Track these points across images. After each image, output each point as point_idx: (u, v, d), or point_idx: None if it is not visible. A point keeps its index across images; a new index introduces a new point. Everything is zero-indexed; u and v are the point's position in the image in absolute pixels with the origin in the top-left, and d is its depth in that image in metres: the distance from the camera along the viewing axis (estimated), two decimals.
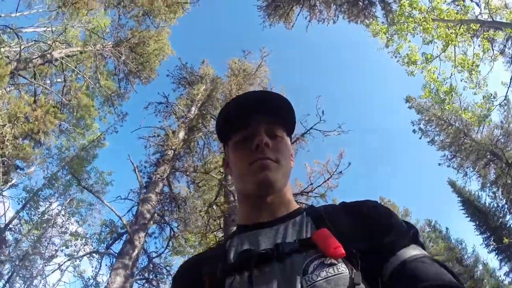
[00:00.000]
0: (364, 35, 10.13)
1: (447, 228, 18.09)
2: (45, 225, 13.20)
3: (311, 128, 7.58)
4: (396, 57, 9.34)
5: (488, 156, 14.23)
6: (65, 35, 12.34)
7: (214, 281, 0.62)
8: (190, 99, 8.19)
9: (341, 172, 7.22)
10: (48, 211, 13.64)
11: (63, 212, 13.69)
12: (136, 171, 7.31)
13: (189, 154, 7.70)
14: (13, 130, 10.12)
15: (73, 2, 10.04)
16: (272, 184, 0.69)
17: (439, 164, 15.47)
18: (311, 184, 7.22)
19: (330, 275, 0.55)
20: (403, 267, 0.56)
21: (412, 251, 0.58)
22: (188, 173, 7.27)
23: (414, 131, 15.61)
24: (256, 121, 0.73)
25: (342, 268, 0.56)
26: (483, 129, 13.54)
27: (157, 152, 7.45)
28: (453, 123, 14.72)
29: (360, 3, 9.69)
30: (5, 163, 12.25)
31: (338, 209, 0.71)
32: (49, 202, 13.87)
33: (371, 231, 0.62)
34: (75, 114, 11.03)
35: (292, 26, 10.46)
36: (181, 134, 7.30)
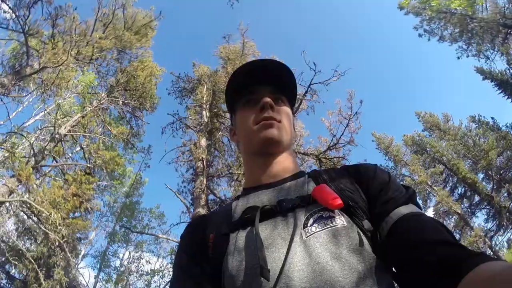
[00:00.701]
0: None
1: (492, 118, 16.67)
2: (123, 276, 14.10)
3: (310, 84, 7.33)
4: None
5: (503, 30, 13.33)
6: (62, 109, 12.84)
7: (218, 238, 0.65)
8: (198, 105, 8.26)
9: (356, 112, 7.09)
10: (121, 263, 14.64)
11: (133, 258, 14.67)
12: (177, 194, 7.51)
13: (219, 156, 7.82)
14: (59, 215, 10.81)
15: (51, 83, 10.34)
16: (276, 140, 0.74)
17: (458, 58, 14.24)
18: (334, 136, 7.15)
19: (328, 226, 0.57)
20: (399, 223, 0.56)
21: (408, 209, 0.58)
22: (223, 174, 7.40)
23: (420, 35, 14.42)
24: (260, 88, 0.78)
25: (340, 220, 0.58)
26: (486, 5, 12.70)
27: (190, 168, 7.61)
28: (454, 11, 13.58)
29: None
30: (68, 242, 13.08)
31: (337, 170, 0.73)
32: (118, 256, 14.88)
33: (367, 189, 0.64)
34: (106, 170, 11.55)
35: None
36: (203, 141, 7.35)
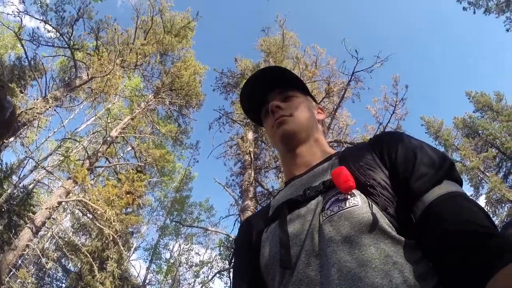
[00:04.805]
0: None
1: None
2: (173, 267, 14.97)
3: (353, 73, 7.37)
4: None
5: None
6: (111, 114, 13.70)
7: (257, 235, 0.72)
8: None
9: (402, 98, 7.03)
10: (171, 255, 15.57)
11: (183, 250, 15.52)
12: (226, 188, 7.83)
13: (266, 148, 8.04)
14: (113, 211, 11.68)
15: (101, 91, 10.68)
16: (291, 134, 0.78)
17: (507, 30, 13.12)
18: (380, 123, 7.13)
19: (341, 209, 0.56)
20: (430, 209, 0.51)
21: (442, 189, 0.53)
22: (271, 166, 7.60)
23: (464, 8, 13.19)
24: (269, 95, 0.85)
25: (355, 201, 0.56)
26: None
27: (238, 162, 7.92)
28: None
29: None
30: (121, 237, 14.10)
31: (361, 145, 0.71)
32: (168, 249, 15.81)
33: (391, 163, 0.60)
34: (156, 167, 12.32)
35: None
36: (250, 135, 7.60)
